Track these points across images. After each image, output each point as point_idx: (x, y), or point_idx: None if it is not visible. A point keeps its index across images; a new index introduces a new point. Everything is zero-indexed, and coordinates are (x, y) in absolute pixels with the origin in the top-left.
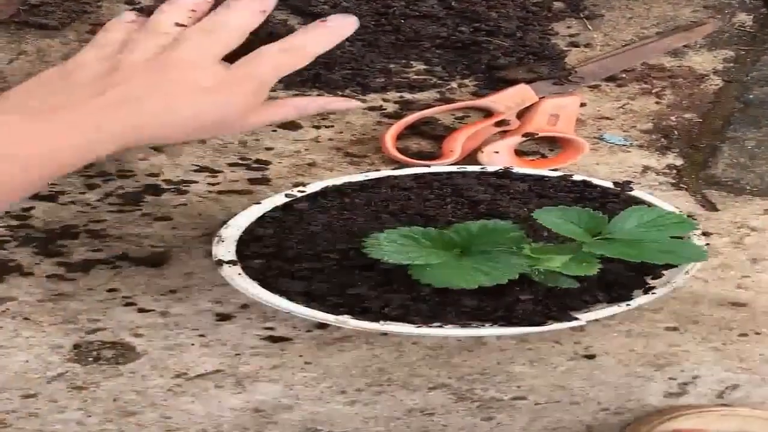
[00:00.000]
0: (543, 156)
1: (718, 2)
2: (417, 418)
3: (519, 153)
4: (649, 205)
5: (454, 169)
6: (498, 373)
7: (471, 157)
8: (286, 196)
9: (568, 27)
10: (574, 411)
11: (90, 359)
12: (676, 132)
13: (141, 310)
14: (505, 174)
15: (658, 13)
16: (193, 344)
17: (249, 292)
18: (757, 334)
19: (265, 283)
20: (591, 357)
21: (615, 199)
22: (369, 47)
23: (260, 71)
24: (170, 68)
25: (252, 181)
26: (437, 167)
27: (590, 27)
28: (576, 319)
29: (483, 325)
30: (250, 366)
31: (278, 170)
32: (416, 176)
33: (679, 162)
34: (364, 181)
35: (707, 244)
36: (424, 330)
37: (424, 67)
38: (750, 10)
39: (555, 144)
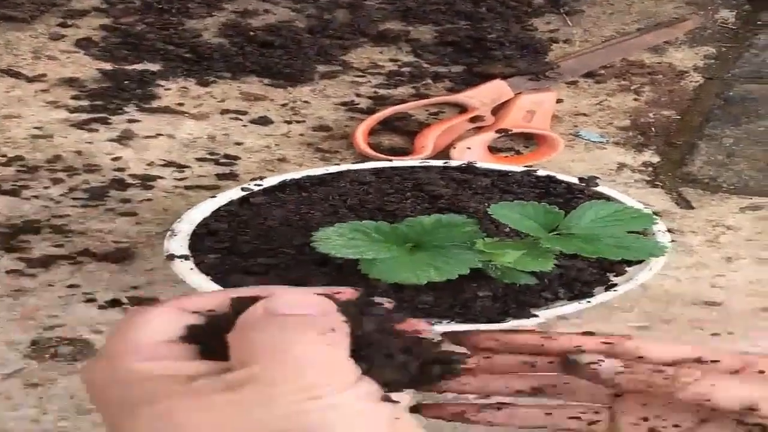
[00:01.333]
0: (517, 152)
1: None
2: None
3: (493, 149)
4: (612, 200)
5: (416, 163)
6: None
7: (444, 153)
8: (243, 189)
9: (548, 22)
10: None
11: (47, 356)
12: (653, 129)
13: (101, 307)
14: (469, 169)
15: (640, 9)
16: None
17: (201, 287)
18: (730, 333)
19: (218, 279)
20: None
21: (580, 195)
22: (351, 37)
23: None
24: None
25: (220, 176)
26: (399, 162)
27: (570, 23)
28: (535, 315)
29: (440, 322)
30: None
31: (247, 165)
32: (377, 170)
33: (655, 159)
34: (323, 175)
35: (672, 240)
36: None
37: (405, 59)
38: (733, 7)
39: (530, 140)
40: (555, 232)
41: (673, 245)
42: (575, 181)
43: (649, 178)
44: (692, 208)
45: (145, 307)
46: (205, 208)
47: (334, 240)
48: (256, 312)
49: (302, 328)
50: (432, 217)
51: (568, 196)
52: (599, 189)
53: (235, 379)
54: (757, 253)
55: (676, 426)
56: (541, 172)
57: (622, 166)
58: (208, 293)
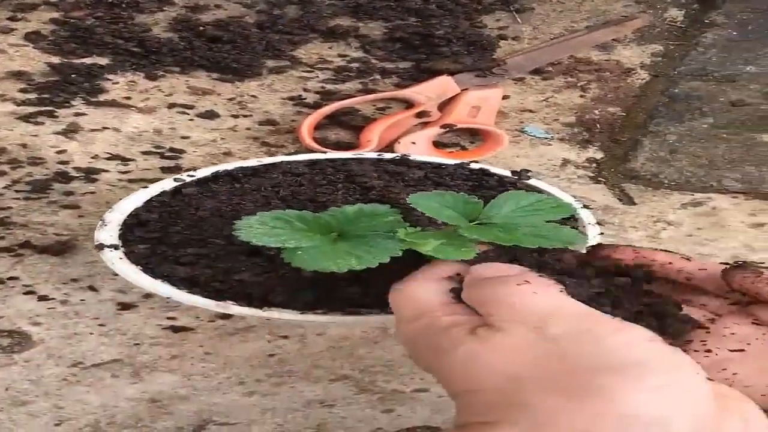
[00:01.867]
0: (463, 148)
1: None
2: (315, 410)
3: (438, 144)
4: (541, 191)
5: (350, 155)
6: (402, 365)
7: (389, 148)
8: (175, 180)
9: (498, 20)
10: None
11: None
12: (598, 125)
13: (41, 299)
14: (402, 161)
15: (590, 7)
16: (92, 333)
17: (130, 277)
18: None
19: (147, 269)
20: None
21: (512, 188)
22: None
23: None
24: None
25: (164, 169)
26: (333, 154)
27: (520, 20)
28: None
29: (371, 312)
30: (149, 356)
31: (192, 159)
32: (311, 162)
33: (599, 155)
34: (257, 166)
35: (602, 233)
36: (307, 317)
37: (354, 55)
38: (682, 6)
39: (476, 136)
40: (475, 222)
41: (613, 240)
42: (508, 174)
43: (592, 174)
44: (634, 203)
45: (409, 281)
46: (137, 199)
47: (256, 228)
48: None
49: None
50: (354, 206)
51: (501, 188)
52: (532, 182)
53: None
54: (696, 249)
55: None
56: (474, 165)
57: (566, 161)
58: (444, 263)
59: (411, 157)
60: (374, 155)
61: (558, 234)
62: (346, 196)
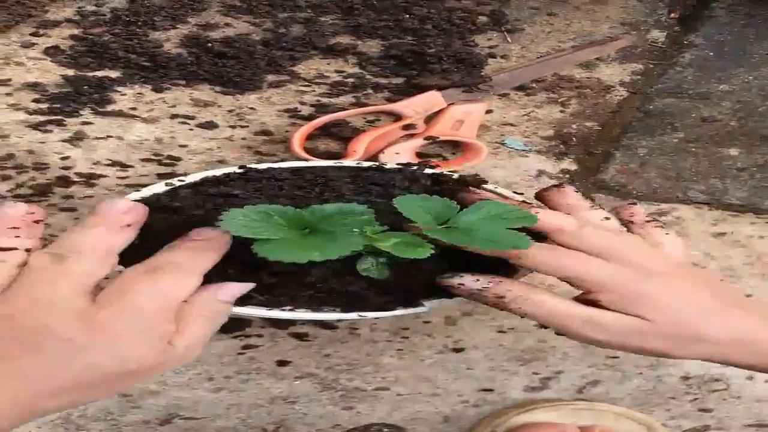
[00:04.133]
0: (444, 158)
1: (635, 20)
2: (279, 405)
3: (422, 155)
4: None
5: (331, 163)
6: (366, 364)
7: (374, 158)
8: (167, 185)
9: (489, 39)
10: (434, 402)
11: None
12: (574, 139)
13: None
14: (378, 169)
15: (577, 28)
16: None
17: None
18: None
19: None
20: (459, 350)
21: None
22: (302, 50)
23: (135, 300)
24: (23, 315)
25: (161, 175)
26: (315, 162)
27: (509, 39)
28: (421, 305)
29: (334, 310)
30: None
31: (188, 166)
32: (294, 169)
33: (573, 167)
34: (243, 172)
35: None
36: (271, 312)
37: (350, 71)
38: (664, 28)
39: (458, 147)
40: (443, 225)
41: None
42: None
43: None
44: None
45: None
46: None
47: (238, 219)
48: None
49: None
50: (334, 205)
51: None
52: (493, 187)
53: None
54: None
55: None
56: (448, 173)
57: (541, 172)
58: None
59: (386, 165)
60: (353, 163)
61: (511, 239)
62: (322, 201)
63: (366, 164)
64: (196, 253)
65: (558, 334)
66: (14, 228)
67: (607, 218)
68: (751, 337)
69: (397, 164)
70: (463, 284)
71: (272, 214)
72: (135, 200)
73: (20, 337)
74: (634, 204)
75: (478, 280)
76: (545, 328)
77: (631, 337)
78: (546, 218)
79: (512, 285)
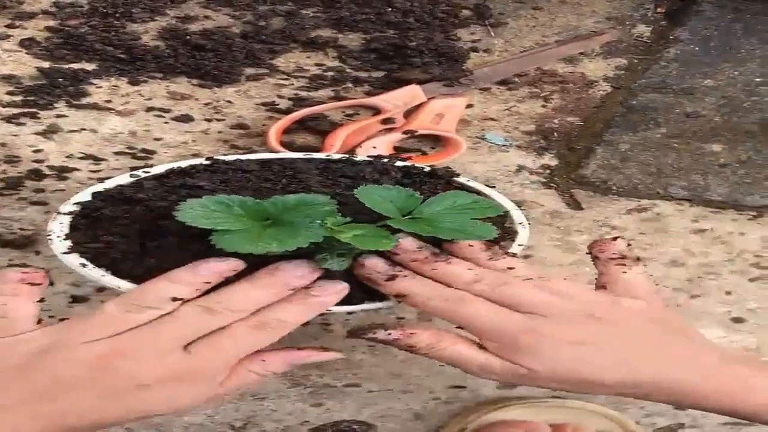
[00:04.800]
0: (423, 153)
1: (621, 14)
2: (248, 402)
3: (400, 150)
4: (479, 193)
5: (300, 155)
6: (338, 361)
7: (351, 152)
8: (131, 176)
9: (472, 33)
10: (406, 399)
11: None
12: (556, 134)
13: None
14: (348, 161)
15: (562, 23)
16: None
17: (74, 266)
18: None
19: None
20: None
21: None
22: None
23: (222, 356)
24: (118, 357)
25: (134, 168)
26: (284, 154)
27: (493, 33)
28: (387, 299)
29: None
30: None
31: (162, 159)
32: (263, 161)
33: (554, 162)
34: (210, 164)
35: (529, 224)
36: None
37: (330, 64)
38: (650, 23)
39: (438, 142)
40: (408, 216)
41: (558, 243)
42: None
43: (544, 180)
44: (581, 208)
45: None
46: (90, 192)
47: (196, 210)
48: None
49: None
50: (296, 196)
51: (430, 184)
52: (467, 182)
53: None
54: (638, 253)
55: None
56: (419, 166)
57: (521, 168)
58: None
59: (356, 158)
60: (323, 155)
61: (477, 229)
62: (285, 190)
63: (336, 156)
64: (307, 311)
65: None
66: (207, 283)
67: (511, 268)
68: (665, 379)
69: (368, 156)
70: (376, 337)
71: (231, 205)
72: (97, 191)
73: (100, 376)
74: (614, 239)
75: (390, 333)
76: None
77: (522, 380)
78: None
79: (422, 335)
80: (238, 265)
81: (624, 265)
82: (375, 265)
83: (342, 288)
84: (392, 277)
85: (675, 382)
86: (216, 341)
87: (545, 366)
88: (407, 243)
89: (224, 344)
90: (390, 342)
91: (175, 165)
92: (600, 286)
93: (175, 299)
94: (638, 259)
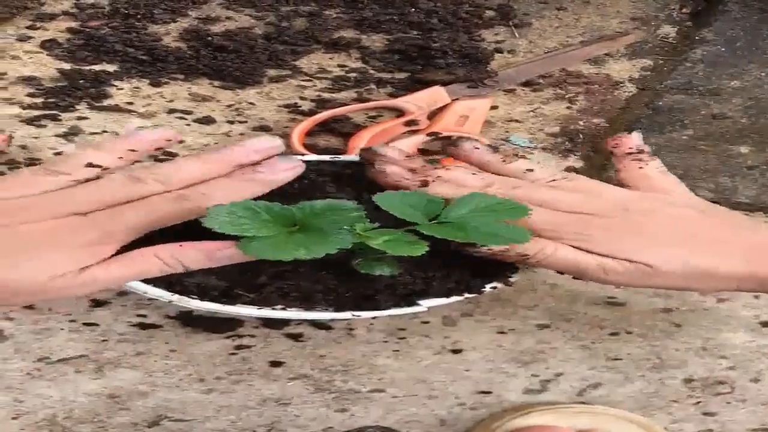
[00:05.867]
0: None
1: (646, 15)
2: (271, 408)
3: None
4: None
5: (327, 158)
6: (361, 366)
7: None
8: None
9: (496, 34)
10: (430, 405)
11: None
12: (581, 136)
13: None
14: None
15: (586, 23)
16: (62, 329)
17: None
18: (628, 333)
19: None
20: (457, 351)
21: None
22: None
23: (117, 223)
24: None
25: None
26: (309, 157)
27: (517, 34)
28: (418, 305)
29: (327, 309)
30: (115, 352)
31: None
32: None
33: (579, 164)
34: None
35: None
36: (261, 312)
37: (353, 65)
38: (675, 23)
39: None
40: (434, 221)
41: None
42: None
43: None
44: None
45: None
46: None
47: (223, 217)
48: None
49: None
50: (323, 201)
51: None
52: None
53: None
54: None
55: None
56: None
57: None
58: None
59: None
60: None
61: (509, 232)
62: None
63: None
64: (246, 188)
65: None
66: (132, 151)
67: (530, 170)
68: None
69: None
70: (486, 251)
71: (258, 210)
72: None
73: None
74: (629, 133)
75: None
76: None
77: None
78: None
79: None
80: (169, 134)
81: (641, 160)
82: (401, 173)
83: (294, 165)
84: (425, 183)
85: None
86: (120, 208)
87: (660, 259)
88: (392, 152)
89: (126, 212)
90: (504, 253)
91: None
92: (618, 182)
93: (91, 165)
94: (654, 154)
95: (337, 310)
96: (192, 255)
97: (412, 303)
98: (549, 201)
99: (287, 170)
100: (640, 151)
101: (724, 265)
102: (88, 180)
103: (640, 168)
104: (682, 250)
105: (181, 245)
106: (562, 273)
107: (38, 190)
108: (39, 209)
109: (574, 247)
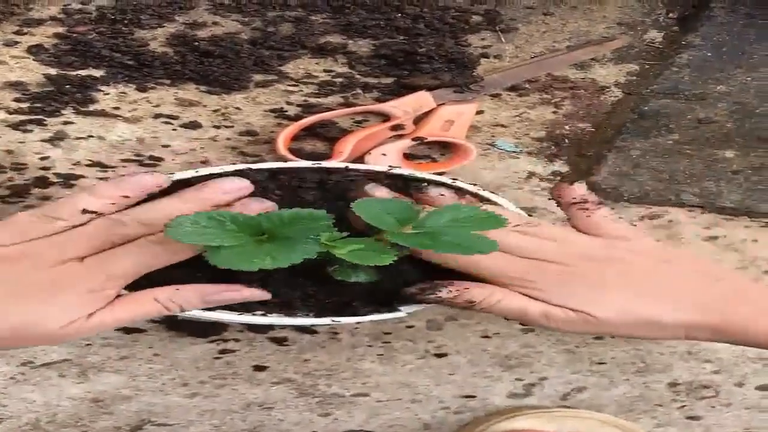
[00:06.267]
0: (433, 160)
1: (633, 20)
2: (254, 412)
3: (410, 156)
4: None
5: (308, 164)
6: (346, 370)
7: (360, 159)
8: None
9: (482, 39)
10: (414, 409)
11: None
12: (567, 140)
13: None
14: (347, 170)
15: (573, 28)
16: None
17: None
18: (613, 337)
19: None
20: (442, 356)
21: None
22: (291, 49)
23: (109, 267)
24: (16, 262)
25: None
26: (292, 163)
27: (503, 39)
28: (398, 310)
29: (308, 315)
30: (99, 356)
31: (170, 167)
32: (271, 170)
33: (564, 169)
34: (217, 173)
35: None
36: (242, 317)
37: (339, 70)
38: (661, 28)
39: (447, 149)
40: (408, 228)
41: None
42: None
43: None
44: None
45: None
46: None
47: (186, 227)
48: None
49: None
50: (291, 210)
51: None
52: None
53: None
54: None
55: None
56: (425, 176)
57: (531, 174)
58: None
59: (350, 166)
60: (342, 165)
61: (478, 243)
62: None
63: (340, 165)
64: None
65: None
66: (125, 197)
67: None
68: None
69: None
70: (441, 296)
71: (224, 220)
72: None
73: None
74: (572, 184)
75: (449, 291)
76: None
77: (588, 325)
78: None
79: (474, 290)
80: (162, 180)
81: (587, 209)
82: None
83: (266, 207)
84: None
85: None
86: (111, 252)
87: (602, 309)
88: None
89: (117, 256)
90: (451, 300)
91: (178, 175)
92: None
93: (85, 211)
94: (601, 202)
95: (317, 315)
96: (188, 297)
97: (392, 309)
98: (512, 247)
99: (259, 210)
100: (585, 201)
101: (668, 315)
102: (82, 225)
103: (588, 217)
104: (624, 300)
105: (177, 288)
106: (508, 319)
107: (36, 236)
108: (42, 256)
109: (522, 293)
